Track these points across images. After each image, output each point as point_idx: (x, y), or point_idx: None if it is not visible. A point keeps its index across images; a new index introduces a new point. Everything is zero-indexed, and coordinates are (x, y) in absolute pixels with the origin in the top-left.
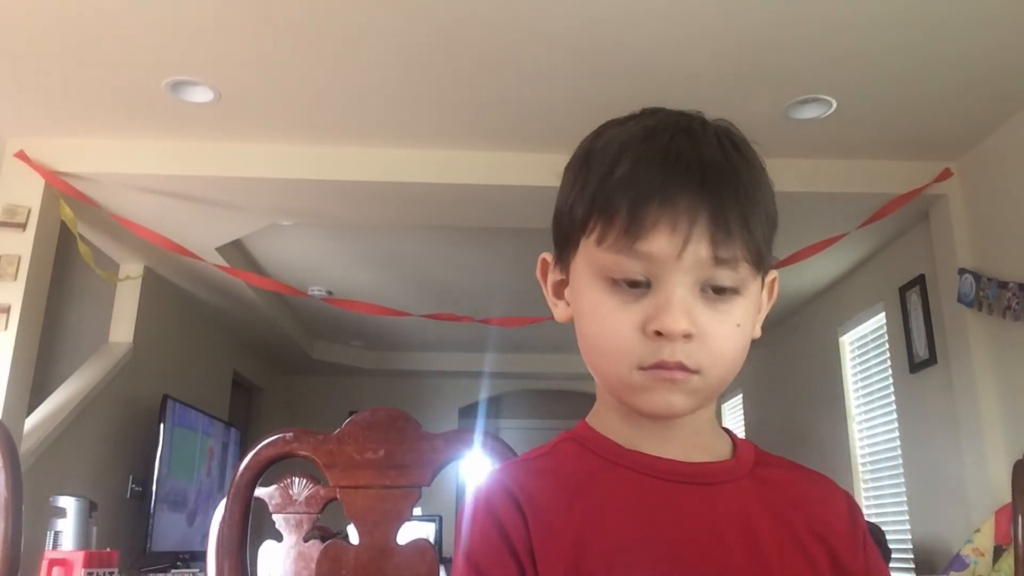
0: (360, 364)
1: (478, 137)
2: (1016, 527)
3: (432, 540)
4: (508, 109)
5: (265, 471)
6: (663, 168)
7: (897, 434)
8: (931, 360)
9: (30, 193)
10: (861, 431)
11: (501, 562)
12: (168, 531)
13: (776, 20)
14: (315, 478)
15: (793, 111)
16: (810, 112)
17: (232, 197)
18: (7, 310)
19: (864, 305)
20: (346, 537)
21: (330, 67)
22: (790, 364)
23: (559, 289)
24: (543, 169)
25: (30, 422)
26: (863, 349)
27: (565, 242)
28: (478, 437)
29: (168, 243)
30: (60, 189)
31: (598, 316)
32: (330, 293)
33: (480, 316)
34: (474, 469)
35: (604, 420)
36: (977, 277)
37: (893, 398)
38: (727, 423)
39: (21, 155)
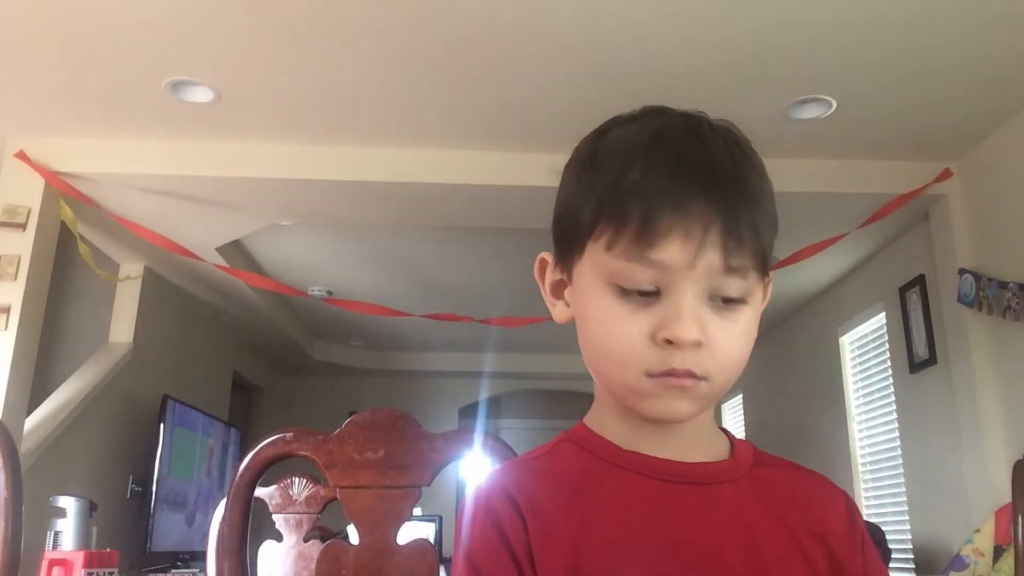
0: (360, 364)
1: (478, 137)
2: (1016, 527)
3: (432, 540)
4: (508, 109)
5: (265, 471)
6: (675, 174)
7: (897, 434)
8: (931, 360)
9: (30, 193)
10: (861, 431)
11: (500, 563)
12: (168, 531)
13: (776, 21)
14: (315, 478)
15: (793, 111)
16: (810, 112)
17: (232, 197)
18: (7, 310)
19: (864, 305)
20: (346, 537)
21: (330, 67)
22: (790, 364)
23: (558, 289)
24: (543, 169)
25: (30, 422)
26: (863, 349)
27: (568, 244)
28: (478, 437)
29: (168, 243)
30: (60, 189)
31: (606, 322)
32: (330, 293)
33: (480, 316)
34: (474, 469)
35: (602, 421)
36: (977, 277)
37: (893, 398)
38: (727, 423)
39: (21, 155)
